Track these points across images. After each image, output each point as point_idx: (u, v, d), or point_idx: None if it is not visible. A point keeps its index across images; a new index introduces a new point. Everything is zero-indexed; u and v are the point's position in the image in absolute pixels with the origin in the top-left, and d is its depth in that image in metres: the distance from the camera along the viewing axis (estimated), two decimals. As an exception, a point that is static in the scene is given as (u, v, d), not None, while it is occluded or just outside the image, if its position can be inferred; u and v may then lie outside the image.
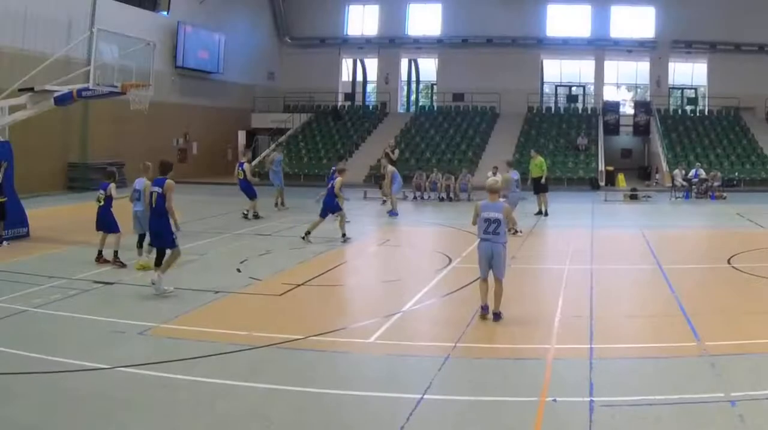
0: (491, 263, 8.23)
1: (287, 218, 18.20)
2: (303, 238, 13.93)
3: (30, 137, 20.72)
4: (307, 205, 21.19)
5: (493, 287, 8.30)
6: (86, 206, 21.63)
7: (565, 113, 37.55)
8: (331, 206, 14.38)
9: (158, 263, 9.87)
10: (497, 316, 8.24)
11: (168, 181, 9.57)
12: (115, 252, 11.38)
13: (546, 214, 18.46)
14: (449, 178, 24.99)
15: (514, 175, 16.04)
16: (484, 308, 8.33)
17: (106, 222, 11.59)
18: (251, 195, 17.97)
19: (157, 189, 9.57)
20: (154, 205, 9.60)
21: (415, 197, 24.91)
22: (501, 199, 8.63)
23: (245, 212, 17.96)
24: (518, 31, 37.41)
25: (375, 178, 26.33)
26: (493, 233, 8.17)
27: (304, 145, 34.80)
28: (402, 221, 18.38)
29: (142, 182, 11.25)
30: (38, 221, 15.46)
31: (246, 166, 18.28)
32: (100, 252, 11.50)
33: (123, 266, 11.18)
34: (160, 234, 9.74)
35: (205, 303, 9.10)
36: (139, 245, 11.38)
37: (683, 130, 34.01)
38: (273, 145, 30.64)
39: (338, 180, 14.34)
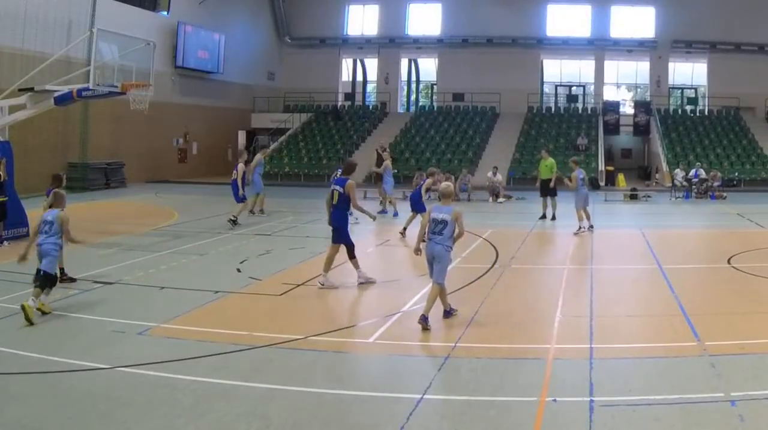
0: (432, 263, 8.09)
1: (287, 218, 18.19)
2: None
3: (30, 137, 20.76)
4: (300, 205, 21.20)
5: (433, 291, 8.10)
6: (86, 206, 21.69)
7: (565, 113, 37.57)
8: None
9: (350, 255, 10.22)
10: (425, 319, 7.85)
11: (349, 181, 10.15)
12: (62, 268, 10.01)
13: (553, 217, 18.06)
14: (449, 178, 24.95)
15: (580, 173, 16.10)
16: (447, 313, 8.24)
17: None
18: (238, 198, 16.93)
19: (338, 188, 10.08)
20: (335, 203, 10.10)
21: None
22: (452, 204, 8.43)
23: (251, 211, 18.05)
24: (518, 31, 37.46)
25: (374, 178, 26.32)
26: (438, 234, 8.04)
27: (304, 145, 34.81)
28: (402, 221, 18.35)
29: (54, 214, 9.09)
30: (38, 221, 15.44)
31: (240, 166, 17.74)
32: (61, 269, 9.99)
33: (73, 280, 10.20)
34: (339, 230, 10.15)
35: (205, 303, 9.09)
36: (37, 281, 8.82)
37: (683, 130, 34.03)
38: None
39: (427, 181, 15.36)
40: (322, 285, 9.97)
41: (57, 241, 8.99)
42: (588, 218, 16.12)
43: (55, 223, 8.98)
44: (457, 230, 8.08)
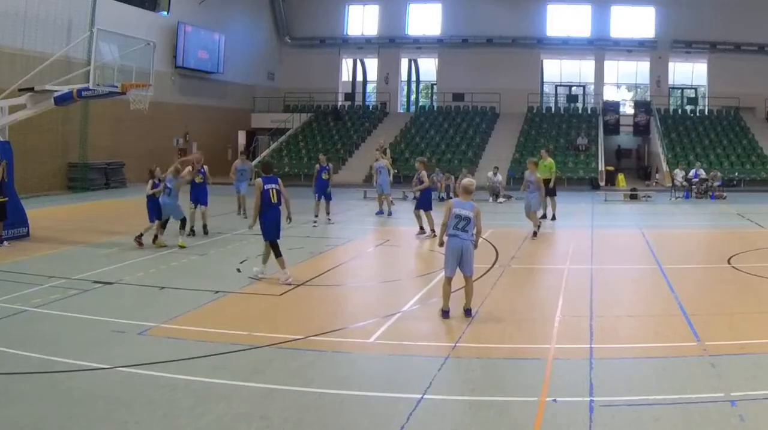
0: (460, 260, 8.31)
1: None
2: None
3: (30, 137, 20.74)
4: (300, 205, 21.18)
5: (463, 285, 8.49)
6: (86, 206, 21.70)
7: (565, 113, 37.57)
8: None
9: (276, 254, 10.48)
10: (468, 312, 8.37)
11: (279, 179, 10.53)
12: (140, 234, 13.37)
13: (554, 217, 18.01)
14: (449, 177, 25.01)
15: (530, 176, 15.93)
16: (446, 313, 8.33)
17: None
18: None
19: (275, 186, 10.31)
20: (275, 201, 10.27)
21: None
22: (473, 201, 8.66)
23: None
24: (518, 31, 37.45)
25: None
26: (462, 230, 8.29)
27: (304, 145, 34.81)
28: (401, 221, 18.37)
29: (172, 180, 13.58)
30: (38, 221, 15.46)
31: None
32: (155, 236, 13.55)
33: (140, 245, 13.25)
34: (278, 227, 10.41)
35: (205, 303, 9.09)
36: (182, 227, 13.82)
37: (683, 130, 34.03)
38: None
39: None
40: (286, 280, 10.12)
41: (174, 197, 13.49)
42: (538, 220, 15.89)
43: (169, 185, 13.39)
44: (475, 227, 8.35)
